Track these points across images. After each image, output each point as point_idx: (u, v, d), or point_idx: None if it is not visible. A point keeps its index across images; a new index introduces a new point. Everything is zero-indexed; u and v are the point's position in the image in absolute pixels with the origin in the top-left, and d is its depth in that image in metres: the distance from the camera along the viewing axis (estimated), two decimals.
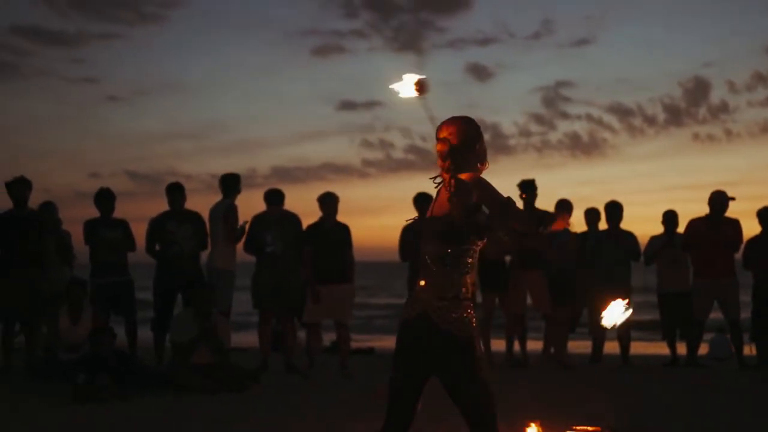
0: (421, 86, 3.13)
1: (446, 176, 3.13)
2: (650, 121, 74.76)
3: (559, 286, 8.27)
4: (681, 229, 8.66)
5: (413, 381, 3.12)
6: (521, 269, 8.20)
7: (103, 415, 5.66)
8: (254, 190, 15.90)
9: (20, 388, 6.78)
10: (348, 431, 5.08)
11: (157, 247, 7.94)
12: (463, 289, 3.09)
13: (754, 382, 7.47)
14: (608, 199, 8.85)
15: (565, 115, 79.90)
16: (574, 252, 8.42)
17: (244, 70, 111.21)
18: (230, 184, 8.05)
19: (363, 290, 27.51)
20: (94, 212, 7.95)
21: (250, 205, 10.81)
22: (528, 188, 8.25)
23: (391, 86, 3.15)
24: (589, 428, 4.61)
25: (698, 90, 70.26)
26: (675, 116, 74.10)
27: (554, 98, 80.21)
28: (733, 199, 8.39)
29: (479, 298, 8.53)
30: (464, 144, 3.14)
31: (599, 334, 8.71)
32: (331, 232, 7.73)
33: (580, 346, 10.15)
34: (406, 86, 3.14)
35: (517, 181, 8.31)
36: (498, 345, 8.62)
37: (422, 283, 3.13)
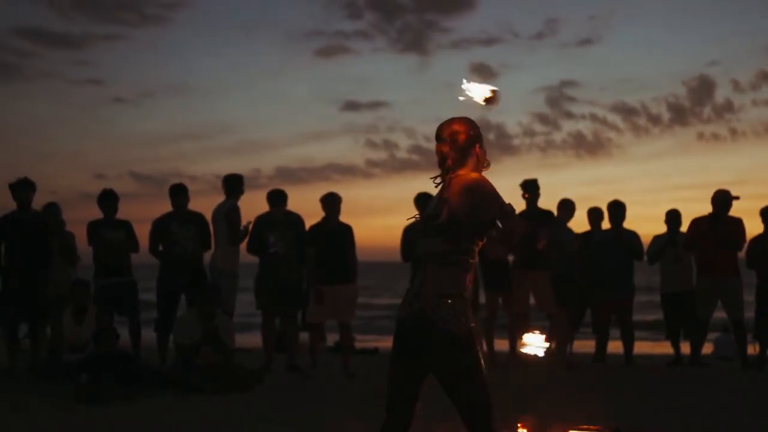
0: (492, 98, 3.19)
1: (447, 177, 3.14)
2: (655, 120, 74.84)
3: (561, 286, 8.26)
4: (684, 228, 8.65)
5: (411, 379, 3.11)
6: (525, 269, 8.17)
7: (106, 415, 5.68)
8: (258, 190, 15.99)
9: (24, 388, 6.80)
10: (349, 431, 5.09)
11: (161, 248, 7.96)
12: (462, 288, 3.07)
13: (756, 381, 7.46)
14: (613, 198, 8.85)
15: (569, 115, 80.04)
16: (576, 252, 8.41)
17: (249, 71, 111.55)
18: (233, 185, 8.06)
19: (366, 290, 27.54)
20: (99, 213, 7.96)
21: (254, 205, 10.80)
22: (530, 188, 8.25)
23: (464, 86, 3.19)
24: (589, 428, 4.61)
25: (703, 89, 70.33)
26: (679, 115, 74.16)
27: (558, 98, 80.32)
28: (737, 198, 8.35)
29: (482, 298, 8.54)
30: (465, 144, 3.14)
31: (602, 333, 8.71)
32: (334, 232, 7.72)
33: (584, 345, 10.14)
34: (478, 92, 3.20)
35: (521, 181, 8.33)
36: (501, 345, 8.61)
37: (420, 280, 3.11)
